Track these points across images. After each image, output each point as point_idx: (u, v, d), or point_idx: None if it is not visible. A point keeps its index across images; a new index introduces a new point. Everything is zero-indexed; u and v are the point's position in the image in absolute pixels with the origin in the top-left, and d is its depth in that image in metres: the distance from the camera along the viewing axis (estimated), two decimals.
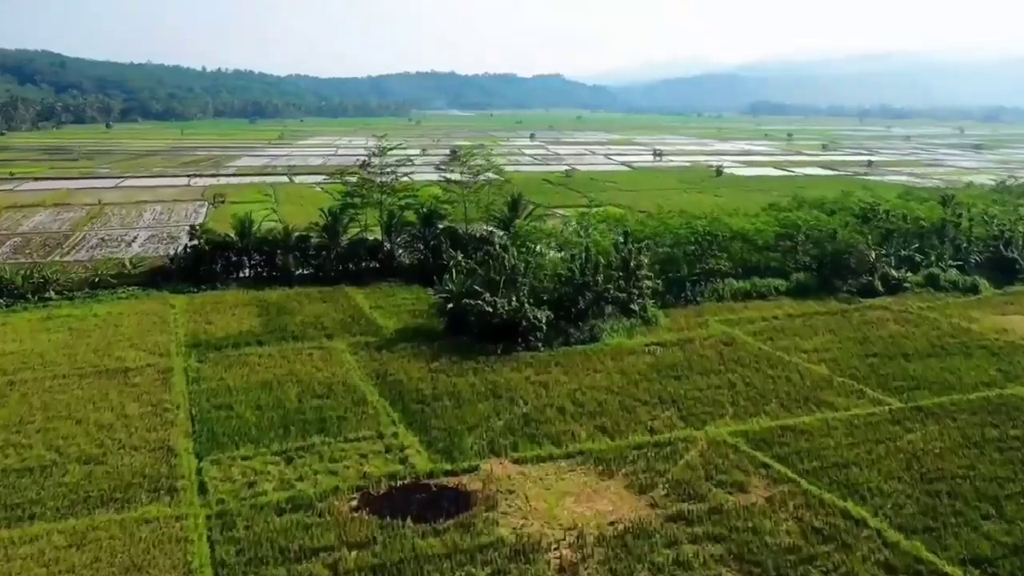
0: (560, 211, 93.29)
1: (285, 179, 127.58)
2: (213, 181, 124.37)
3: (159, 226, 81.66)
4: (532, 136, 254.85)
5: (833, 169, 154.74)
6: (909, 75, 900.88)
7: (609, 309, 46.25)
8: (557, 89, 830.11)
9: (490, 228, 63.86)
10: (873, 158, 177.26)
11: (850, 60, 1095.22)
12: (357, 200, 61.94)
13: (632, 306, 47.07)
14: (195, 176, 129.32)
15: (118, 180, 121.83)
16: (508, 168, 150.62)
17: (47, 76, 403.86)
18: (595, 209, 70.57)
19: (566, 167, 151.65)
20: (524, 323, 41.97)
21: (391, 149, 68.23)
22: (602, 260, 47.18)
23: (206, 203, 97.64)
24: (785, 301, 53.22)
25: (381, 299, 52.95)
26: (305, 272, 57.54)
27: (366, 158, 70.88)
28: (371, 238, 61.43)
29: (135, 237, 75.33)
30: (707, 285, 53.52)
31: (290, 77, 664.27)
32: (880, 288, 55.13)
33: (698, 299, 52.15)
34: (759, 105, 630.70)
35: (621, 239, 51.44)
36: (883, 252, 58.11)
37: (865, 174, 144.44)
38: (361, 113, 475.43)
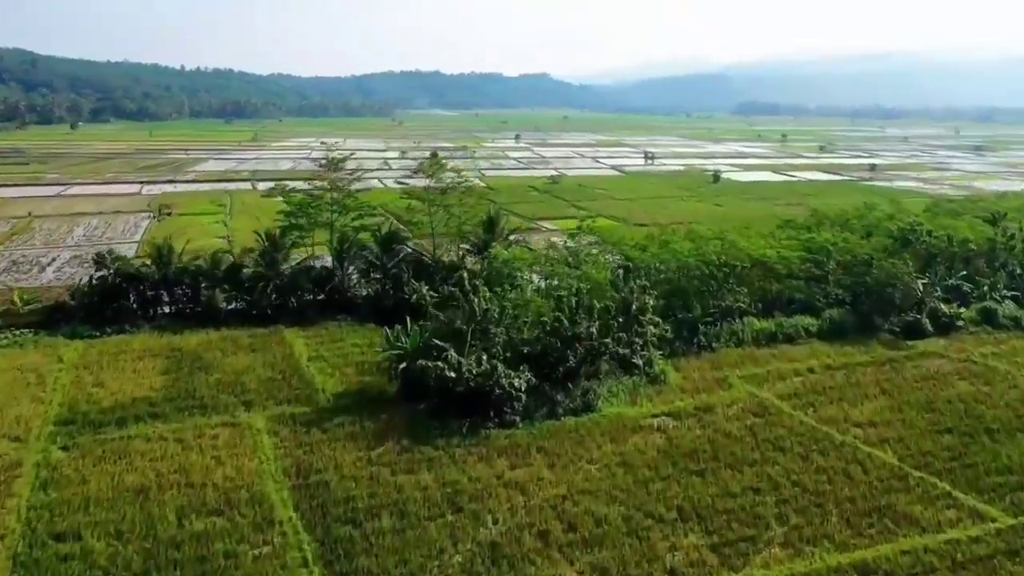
0: (546, 225, 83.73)
1: (247, 186, 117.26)
2: (169, 188, 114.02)
3: (88, 245, 71.36)
4: (517, 137, 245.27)
5: (835, 173, 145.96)
6: (901, 75, 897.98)
7: (606, 365, 36.73)
8: (543, 89, 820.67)
9: (463, 251, 54.26)
10: (875, 161, 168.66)
11: (840, 60, 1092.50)
12: (302, 220, 51.78)
13: (634, 359, 37.58)
14: (149, 183, 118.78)
15: (63, 188, 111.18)
16: (491, 173, 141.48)
17: (16, 74, 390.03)
18: (586, 222, 60.98)
19: (552, 171, 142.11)
20: (497, 390, 32.36)
21: (342, 161, 58.13)
22: (596, 303, 37.53)
23: (151, 215, 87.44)
24: (818, 345, 43.77)
25: (325, 344, 43.13)
26: (238, 307, 47.57)
27: (321, 166, 60.83)
28: (319, 266, 51.47)
29: (54, 259, 65.09)
30: (723, 326, 43.99)
31: (272, 76, 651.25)
32: (929, 327, 45.85)
33: (713, 344, 42.62)
34: (749, 105, 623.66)
35: (620, 272, 41.92)
36: (928, 282, 48.82)
37: (870, 179, 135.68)
38: (343, 113, 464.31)
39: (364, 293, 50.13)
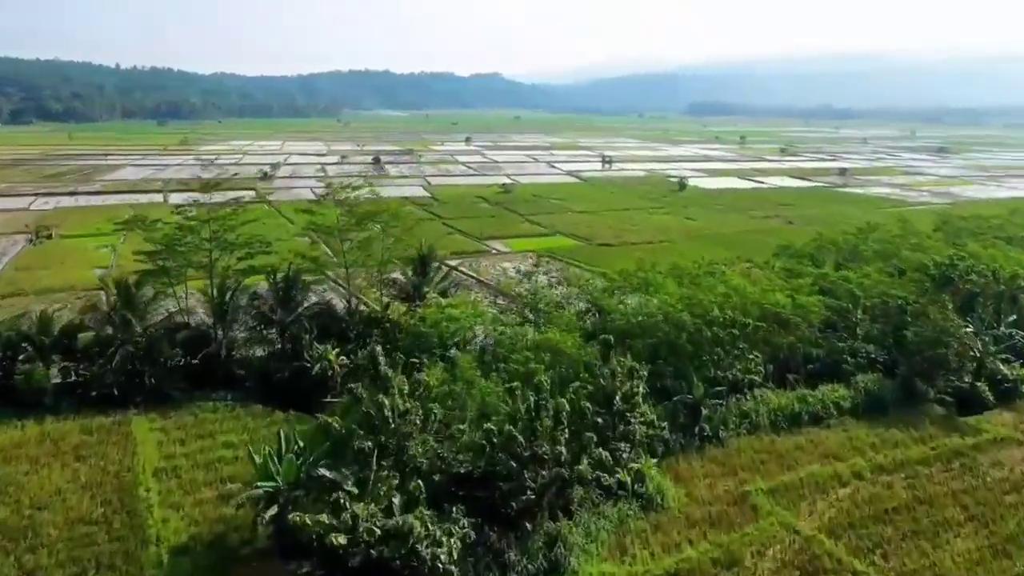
0: (497, 246, 72.05)
1: (159, 198, 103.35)
2: (66, 201, 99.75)
3: None
4: (468, 140, 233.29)
5: (804, 179, 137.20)
6: (850, 76, 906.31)
7: (581, 490, 25.31)
8: (496, 88, 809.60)
9: (388, 299, 42.42)
10: (843, 165, 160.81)
11: (789, 61, 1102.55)
12: (169, 262, 38.72)
13: (619, 472, 26.28)
14: (46, 195, 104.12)
15: None
16: (438, 181, 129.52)
17: None
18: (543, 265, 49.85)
19: (505, 179, 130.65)
20: (414, 561, 20.69)
21: (217, 185, 45.86)
22: (565, 400, 25.95)
23: (29, 238, 73.62)
24: (855, 429, 33.07)
25: (188, 442, 31.02)
26: (76, 380, 35.00)
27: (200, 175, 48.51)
28: (192, 323, 38.96)
29: None
30: (731, 404, 32.92)
31: (215, 75, 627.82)
32: (988, 395, 35.52)
33: (720, 433, 31.53)
34: (701, 105, 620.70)
35: (598, 347, 30.78)
36: (975, 332, 38.46)
37: (843, 185, 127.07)
38: (287, 113, 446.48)
39: (253, 360, 37.79)
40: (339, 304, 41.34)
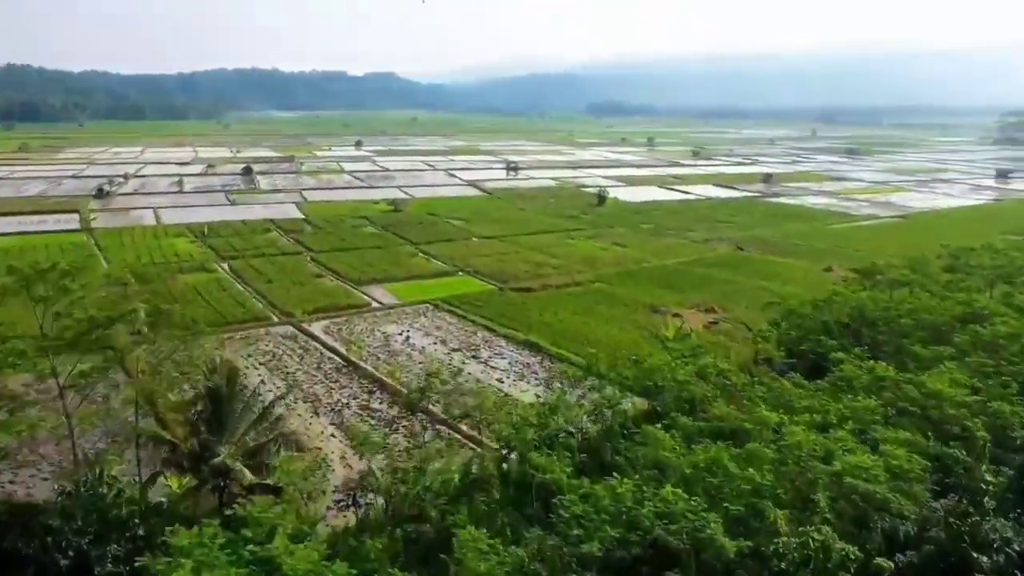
0: (378, 295, 53.78)
1: None
2: None
3: None
4: (358, 144, 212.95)
5: (729, 187, 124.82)
6: (742, 76, 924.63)
7: None
8: (391, 88, 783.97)
9: (144, 482, 24.04)
10: (765, 170, 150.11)
11: (685, 62, 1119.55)
12: None
13: None
14: None
15: None
16: (316, 195, 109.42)
17: None
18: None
19: (397, 191, 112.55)
20: None
21: None
22: None
23: None
24: None
25: None
26: None
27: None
28: None
29: None
30: None
31: (85, 73, 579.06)
32: None
33: None
34: (601, 105, 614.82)
35: None
36: None
37: (774, 194, 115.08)
38: (164, 115, 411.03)
39: None
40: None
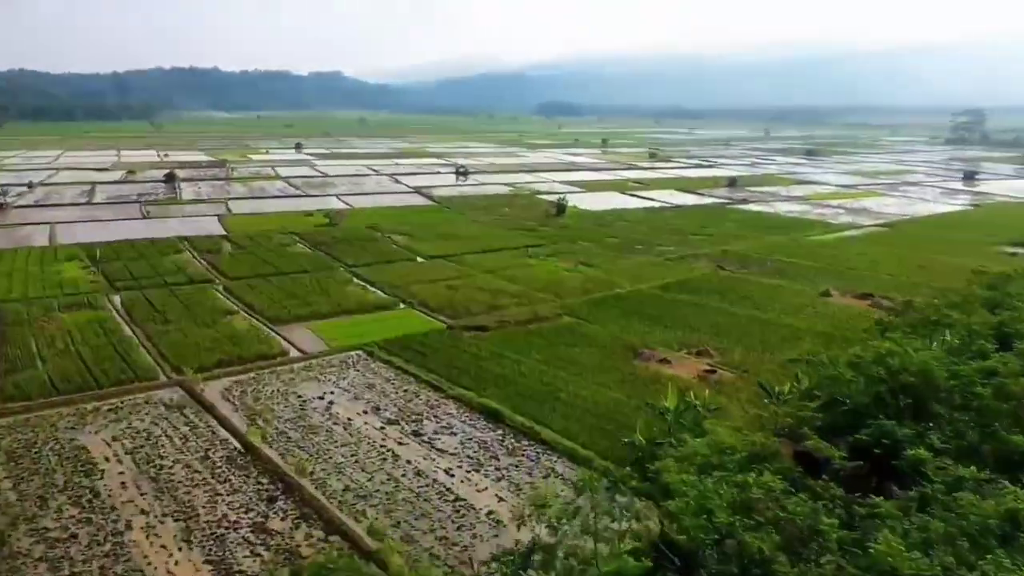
0: (301, 341, 42.83)
1: None
2: None
3: None
4: (298, 146, 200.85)
5: (693, 192, 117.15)
6: (691, 75, 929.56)
7: None
8: (337, 88, 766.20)
9: None
10: (729, 173, 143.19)
11: (632, 61, 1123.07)
12: None
13: None
14: None
15: None
16: (244, 206, 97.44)
17: None
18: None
19: (335, 200, 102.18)
20: None
21: None
22: None
23: None
24: None
25: None
26: None
27: None
28: None
29: None
30: None
31: (10, 72, 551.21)
32: None
33: None
34: (550, 105, 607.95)
35: None
36: None
37: (743, 200, 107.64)
38: (94, 116, 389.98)
39: None
40: None
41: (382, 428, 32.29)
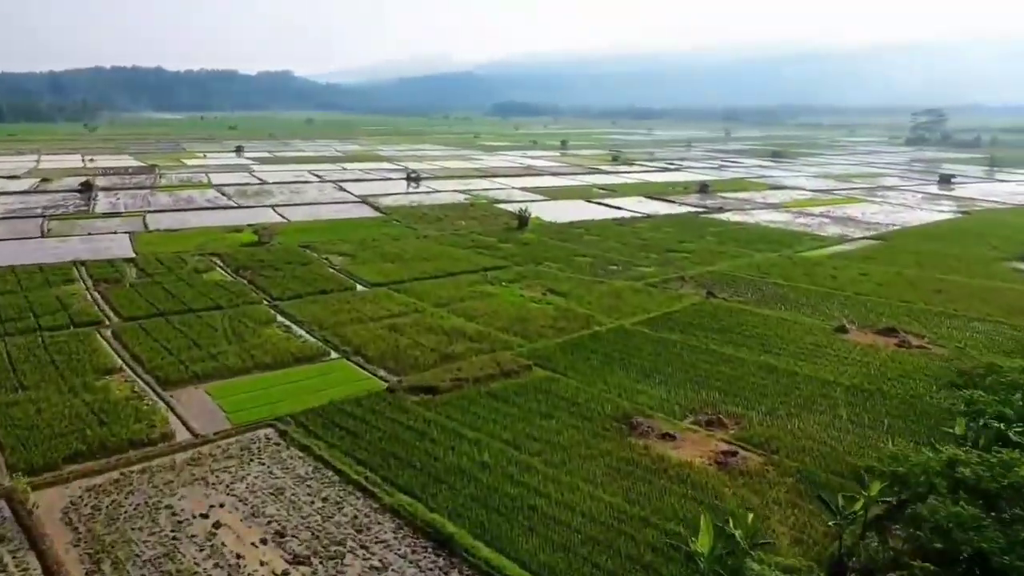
0: (191, 415, 31.44)
1: None
2: None
3: None
4: (239, 150, 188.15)
5: (663, 199, 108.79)
6: (645, 76, 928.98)
7: None
8: (286, 88, 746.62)
9: None
10: (689, 176, 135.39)
11: (585, 62, 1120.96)
12: None
13: None
14: None
15: None
16: (164, 220, 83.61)
17: None
18: None
19: (270, 211, 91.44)
20: None
21: None
22: None
23: None
24: None
25: None
26: None
27: None
28: None
29: None
30: None
31: None
32: None
33: None
34: (505, 105, 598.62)
35: None
36: None
37: (718, 209, 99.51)
38: (24, 117, 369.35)
39: None
40: None
41: (287, 572, 22.40)
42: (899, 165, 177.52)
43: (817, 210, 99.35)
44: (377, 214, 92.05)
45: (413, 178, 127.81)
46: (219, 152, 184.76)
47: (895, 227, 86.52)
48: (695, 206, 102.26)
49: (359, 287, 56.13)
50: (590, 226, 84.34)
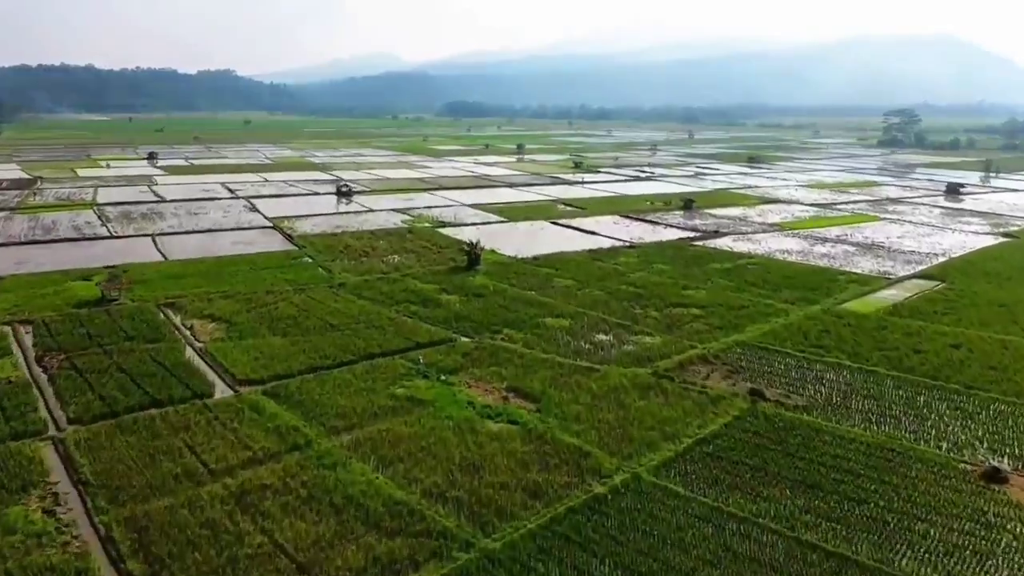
0: None
1: None
2: None
3: None
4: (151, 157, 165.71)
5: (645, 220, 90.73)
6: (591, 75, 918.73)
7: None
8: (229, 88, 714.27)
9: None
10: (663, 188, 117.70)
11: (532, 59, 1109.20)
12: None
13: None
14: None
15: None
16: (7, 256, 65.70)
17: None
18: None
19: (147, 243, 70.66)
20: None
21: None
22: None
23: None
24: None
25: None
26: None
27: None
28: None
29: None
30: None
31: None
32: None
33: None
34: (457, 105, 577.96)
35: None
36: None
37: (713, 234, 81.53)
38: None
39: None
40: None
41: None
42: (889, 171, 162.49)
43: (831, 233, 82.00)
44: (287, 246, 71.79)
45: (344, 192, 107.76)
46: (128, 160, 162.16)
47: (939, 257, 69.39)
48: (684, 228, 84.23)
49: (219, 389, 36.30)
50: (560, 262, 65.42)
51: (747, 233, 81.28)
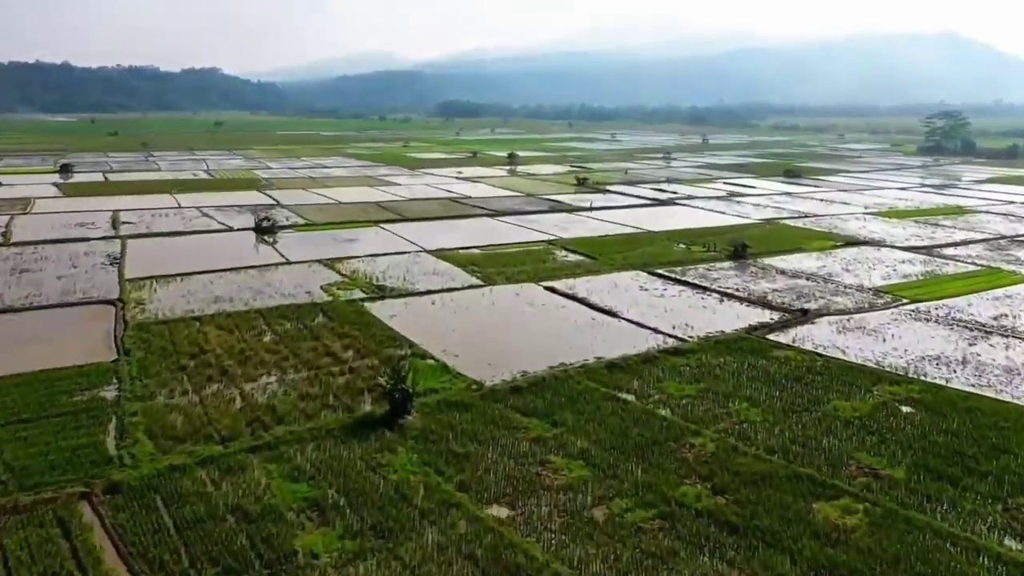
0: None
1: None
2: None
3: None
4: (64, 170, 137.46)
5: (681, 280, 62.08)
6: (589, 74, 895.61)
7: None
8: (213, 87, 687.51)
9: None
10: (691, 212, 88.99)
11: (532, 57, 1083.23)
12: None
13: None
14: None
15: None
16: None
17: None
18: None
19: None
20: None
21: None
22: None
23: None
24: None
25: None
26: None
27: None
28: None
29: None
30: None
31: None
32: None
33: None
34: (449, 105, 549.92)
35: None
36: None
37: (802, 314, 52.81)
38: None
39: None
40: None
41: None
42: (958, 188, 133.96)
43: (979, 309, 53.02)
44: (97, 356, 42.66)
45: (264, 229, 79.11)
46: (29, 174, 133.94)
47: None
48: (747, 300, 55.44)
49: None
50: (558, 392, 36.64)
51: (849, 312, 52.42)
